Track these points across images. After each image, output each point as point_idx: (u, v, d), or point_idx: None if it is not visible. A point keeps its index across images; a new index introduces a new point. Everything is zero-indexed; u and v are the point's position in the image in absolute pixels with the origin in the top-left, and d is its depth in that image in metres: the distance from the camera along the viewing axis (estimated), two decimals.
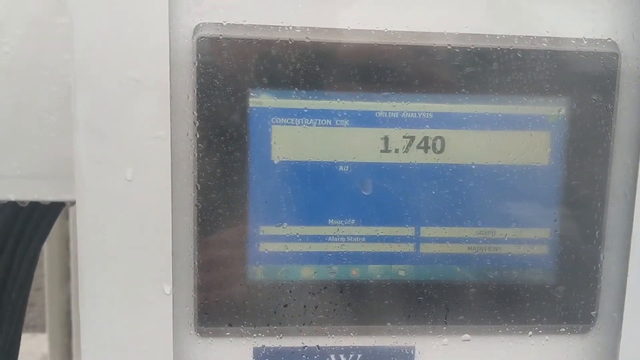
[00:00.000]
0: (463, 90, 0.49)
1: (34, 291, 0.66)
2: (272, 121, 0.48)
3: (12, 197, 0.54)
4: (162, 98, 0.46)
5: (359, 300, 0.51)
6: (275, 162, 0.48)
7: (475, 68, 0.48)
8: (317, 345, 0.52)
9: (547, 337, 0.53)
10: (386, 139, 0.49)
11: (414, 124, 0.49)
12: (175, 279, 0.48)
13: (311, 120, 0.48)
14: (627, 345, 0.53)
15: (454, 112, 0.49)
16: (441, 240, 0.51)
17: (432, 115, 0.49)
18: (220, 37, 0.46)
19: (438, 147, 0.49)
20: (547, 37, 0.49)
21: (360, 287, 0.51)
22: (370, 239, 0.50)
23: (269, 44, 0.47)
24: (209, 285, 0.49)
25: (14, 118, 0.52)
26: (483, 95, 0.49)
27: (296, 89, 0.47)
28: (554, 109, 0.50)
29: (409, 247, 0.51)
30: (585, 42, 0.49)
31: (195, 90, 0.47)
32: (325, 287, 0.50)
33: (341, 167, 0.49)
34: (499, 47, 0.48)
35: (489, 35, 0.49)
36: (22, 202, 0.56)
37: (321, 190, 0.49)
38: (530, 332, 0.53)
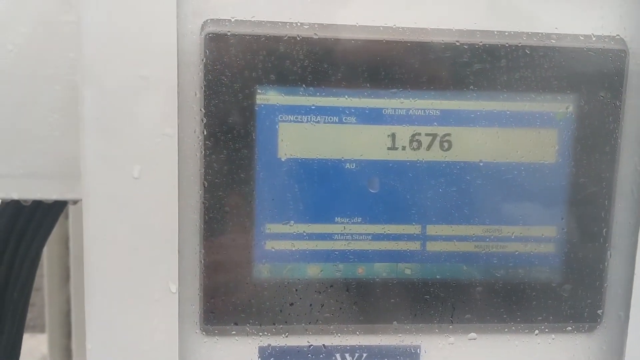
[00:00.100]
0: (471, 87, 0.48)
1: (34, 291, 0.65)
2: (280, 118, 0.48)
3: (16, 196, 0.54)
4: (170, 95, 0.45)
5: (365, 299, 0.51)
6: (282, 160, 0.48)
7: (483, 65, 0.48)
8: (323, 344, 0.51)
9: (553, 335, 0.53)
10: (393, 136, 0.49)
11: (422, 121, 0.49)
12: (181, 277, 0.48)
13: (318, 117, 0.48)
14: (634, 344, 0.52)
15: (461, 109, 0.49)
16: (448, 238, 0.51)
17: (439, 113, 0.49)
18: (228, 34, 0.46)
19: (445, 145, 0.49)
20: (555, 34, 0.49)
21: (366, 286, 0.51)
22: (377, 237, 0.50)
23: (277, 40, 0.46)
24: (215, 283, 0.49)
25: (17, 116, 0.52)
26: (491, 92, 0.49)
27: (304, 85, 0.47)
28: (562, 106, 0.50)
29: (415, 245, 0.51)
30: (593, 38, 0.49)
31: (203, 87, 0.46)
32: (331, 286, 0.50)
33: (348, 164, 0.49)
34: (507, 43, 0.48)
35: (497, 31, 0.48)
36: (25, 200, 0.56)
37: (328, 188, 0.49)
38: (536, 331, 0.53)
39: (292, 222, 0.49)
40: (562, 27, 0.49)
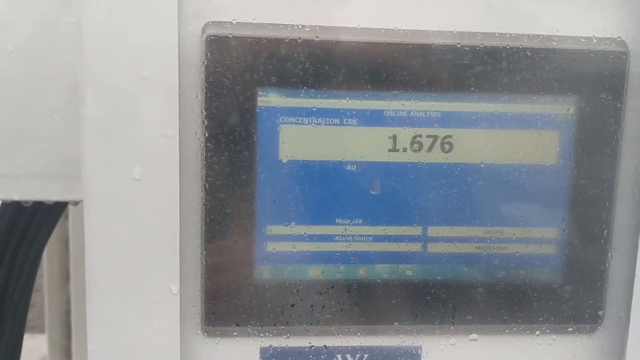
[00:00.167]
0: (472, 89, 0.48)
1: (33, 292, 0.65)
2: (281, 120, 0.48)
3: (16, 197, 0.54)
4: (171, 97, 0.45)
5: (366, 300, 0.51)
6: (284, 162, 0.48)
7: (484, 67, 0.48)
8: (324, 345, 0.51)
9: (554, 336, 0.53)
10: (394, 138, 0.49)
11: (423, 123, 0.49)
12: (182, 278, 0.48)
13: (319, 119, 0.48)
14: (635, 345, 0.52)
15: (462, 111, 0.49)
16: (449, 239, 0.51)
17: (440, 114, 0.49)
18: (229, 36, 0.46)
19: (446, 146, 0.49)
20: (557, 36, 0.49)
21: (367, 287, 0.51)
22: (378, 238, 0.50)
23: (278, 42, 0.46)
24: (216, 285, 0.49)
25: (17, 117, 0.52)
26: (492, 94, 0.49)
27: (305, 87, 0.47)
28: (563, 107, 0.50)
29: (416, 247, 0.51)
30: (594, 40, 0.49)
31: (204, 89, 0.46)
32: (332, 287, 0.50)
33: (349, 166, 0.49)
34: (508, 45, 0.48)
35: (498, 33, 0.48)
36: (26, 201, 0.56)
37: (329, 190, 0.49)
38: (537, 332, 0.53)
39: (293, 223, 0.49)
40: (563, 29, 0.49)
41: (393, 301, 0.51)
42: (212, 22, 0.46)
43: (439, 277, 0.51)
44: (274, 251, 0.49)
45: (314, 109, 0.48)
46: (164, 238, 0.47)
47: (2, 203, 0.60)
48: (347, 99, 0.48)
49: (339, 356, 0.52)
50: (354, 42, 0.47)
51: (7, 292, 0.62)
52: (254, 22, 0.47)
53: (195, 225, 0.48)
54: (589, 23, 0.49)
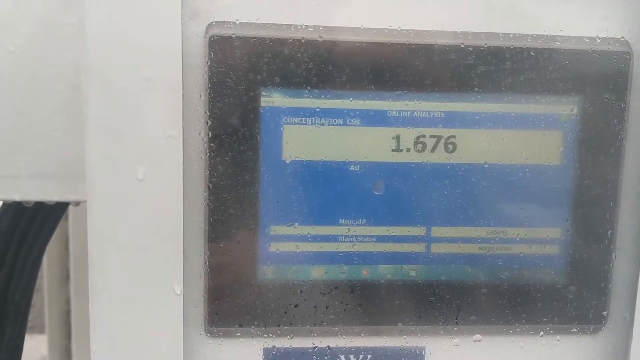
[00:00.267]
0: (475, 89, 0.48)
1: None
2: (284, 120, 0.48)
3: (17, 197, 0.54)
4: (174, 97, 0.45)
5: (369, 301, 0.51)
6: (287, 162, 0.48)
7: (487, 67, 0.48)
8: (328, 346, 0.51)
9: (558, 337, 0.53)
10: (398, 138, 0.49)
11: (426, 123, 0.49)
12: (186, 279, 0.48)
13: (323, 119, 0.48)
14: (639, 346, 0.52)
15: (466, 111, 0.49)
16: (452, 240, 0.51)
17: (444, 115, 0.49)
18: (233, 36, 0.46)
19: (450, 147, 0.49)
20: (560, 36, 0.49)
21: (370, 287, 0.51)
22: (381, 239, 0.50)
23: (282, 42, 0.46)
24: (219, 285, 0.49)
25: (19, 117, 0.52)
26: (495, 94, 0.49)
27: (308, 88, 0.47)
28: (567, 108, 0.49)
29: (420, 247, 0.50)
30: (598, 40, 0.49)
31: (208, 89, 0.46)
32: (335, 287, 0.50)
33: (352, 166, 0.49)
34: (511, 45, 0.48)
35: (501, 34, 0.48)
36: (27, 202, 0.56)
37: (332, 190, 0.49)
38: (541, 333, 0.53)
39: (297, 224, 0.49)
40: (567, 29, 0.49)
41: (397, 302, 0.51)
42: (216, 22, 0.46)
43: (442, 278, 0.51)
44: (277, 251, 0.49)
45: (318, 109, 0.48)
46: (167, 238, 0.47)
47: (3, 203, 0.60)
48: (351, 99, 0.48)
49: (342, 357, 0.52)
50: (357, 42, 0.47)
51: (9, 293, 0.62)
52: (257, 22, 0.47)
53: (199, 225, 0.48)
54: (593, 23, 0.49)
